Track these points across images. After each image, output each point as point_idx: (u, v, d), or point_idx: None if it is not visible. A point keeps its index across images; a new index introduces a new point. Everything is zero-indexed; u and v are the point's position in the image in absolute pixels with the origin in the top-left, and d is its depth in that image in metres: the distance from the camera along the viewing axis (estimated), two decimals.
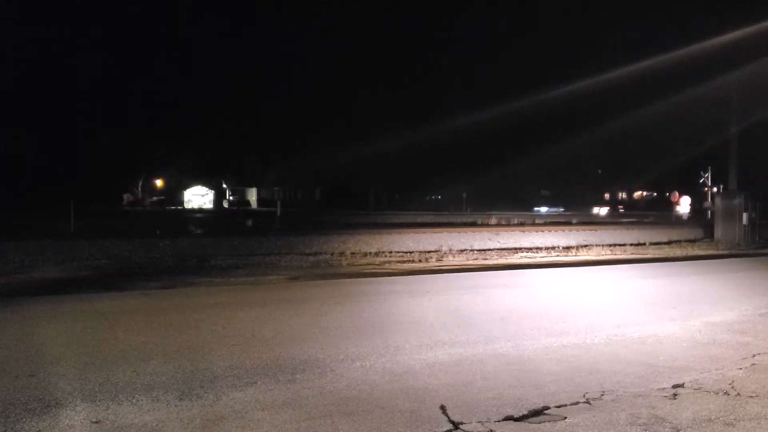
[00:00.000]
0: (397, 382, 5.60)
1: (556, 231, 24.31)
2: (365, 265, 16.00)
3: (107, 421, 4.55)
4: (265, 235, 19.35)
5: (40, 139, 57.80)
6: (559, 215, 52.17)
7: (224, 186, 79.20)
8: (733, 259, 19.18)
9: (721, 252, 21.71)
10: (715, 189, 37.90)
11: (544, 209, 68.66)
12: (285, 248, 17.90)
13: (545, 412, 4.87)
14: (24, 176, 57.02)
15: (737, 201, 25.29)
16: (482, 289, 11.71)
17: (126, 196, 70.99)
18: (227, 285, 12.05)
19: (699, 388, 5.50)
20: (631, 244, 23.12)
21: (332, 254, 17.61)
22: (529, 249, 20.75)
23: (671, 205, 42.30)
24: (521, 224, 31.08)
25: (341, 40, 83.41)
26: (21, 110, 56.42)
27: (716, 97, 32.91)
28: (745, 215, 24.91)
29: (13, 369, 5.77)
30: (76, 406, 4.84)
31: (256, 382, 5.50)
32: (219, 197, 77.24)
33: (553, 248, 21.01)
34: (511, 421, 4.65)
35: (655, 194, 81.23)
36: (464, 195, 67.30)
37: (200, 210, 64.58)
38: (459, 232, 22.36)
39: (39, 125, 57.87)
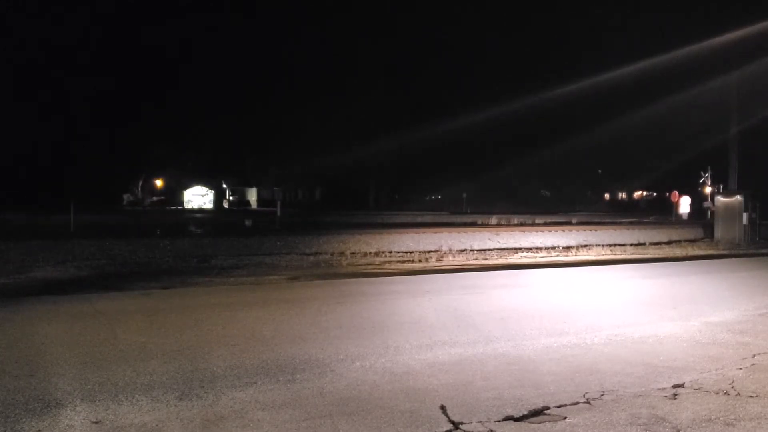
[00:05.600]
0: (397, 382, 5.60)
1: (556, 231, 24.31)
2: (365, 265, 15.99)
3: (107, 421, 4.54)
4: (265, 235, 19.35)
5: (40, 138, 57.81)
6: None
7: (224, 186, 79.14)
8: (733, 259, 19.17)
9: (721, 252, 21.70)
10: (715, 189, 37.90)
11: None
12: (285, 248, 17.91)
13: (545, 412, 4.87)
14: (24, 176, 56.97)
15: (737, 201, 25.30)
16: (482, 289, 11.71)
17: (126, 196, 70.94)
18: (227, 285, 12.05)
19: (699, 388, 5.50)
20: (631, 244, 23.12)
21: (332, 254, 17.61)
22: (529, 249, 20.74)
23: (673, 205, 42.22)
24: (521, 224, 31.09)
25: (341, 40, 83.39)
26: (20, 110, 56.43)
27: (716, 97, 32.95)
28: (745, 215, 24.92)
29: (13, 369, 5.77)
30: (76, 406, 4.84)
31: (256, 382, 5.50)
32: (219, 197, 77.16)
33: (553, 248, 21.01)
34: (511, 421, 4.65)
35: (655, 194, 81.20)
36: (464, 195, 67.25)
37: (200, 210, 64.53)
38: (459, 232, 22.36)
39: (39, 125, 57.88)
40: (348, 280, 12.92)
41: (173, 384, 5.40)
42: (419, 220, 37.09)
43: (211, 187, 77.23)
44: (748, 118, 31.69)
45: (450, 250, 19.36)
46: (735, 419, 4.73)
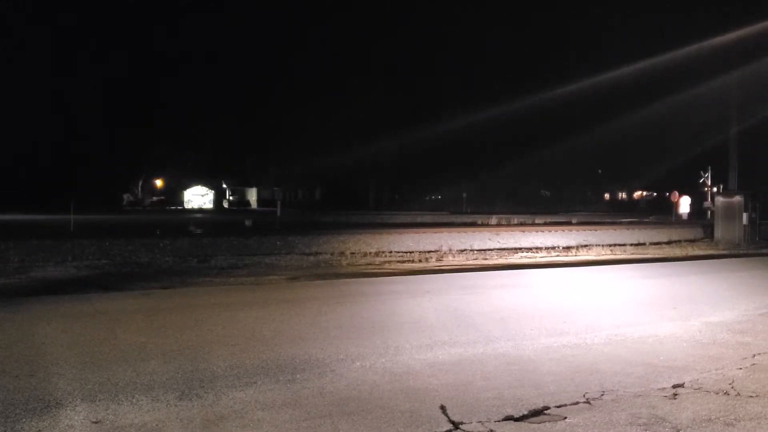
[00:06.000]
0: (397, 382, 5.60)
1: (556, 231, 24.30)
2: (365, 265, 15.99)
3: (107, 421, 4.54)
4: (265, 235, 19.35)
5: (40, 138, 57.83)
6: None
7: (224, 186, 79.18)
8: (733, 259, 19.16)
9: (721, 252, 21.69)
10: (715, 189, 37.92)
11: None
12: (285, 248, 17.91)
13: (545, 412, 4.87)
14: (24, 176, 56.97)
15: (737, 201, 25.29)
16: (482, 289, 11.71)
17: (126, 196, 71.00)
18: (227, 285, 12.05)
19: (699, 388, 5.50)
20: (631, 244, 23.12)
21: (332, 254, 17.61)
22: (529, 249, 20.74)
23: (673, 205, 42.21)
24: (521, 224, 31.09)
25: (341, 40, 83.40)
26: (20, 110, 56.44)
27: (716, 97, 32.97)
28: (745, 215, 24.91)
29: (13, 369, 5.77)
30: (76, 406, 4.84)
31: (256, 382, 5.50)
32: (219, 197, 77.19)
33: (553, 248, 21.01)
34: (511, 421, 4.65)
35: (655, 194, 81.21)
36: (464, 195, 67.31)
37: (200, 210, 64.54)
38: (459, 232, 22.36)
39: (39, 125, 57.89)
40: (348, 280, 12.92)
41: (173, 384, 5.40)
42: (419, 220, 37.10)
43: (211, 187, 77.26)
44: (748, 118, 31.70)
45: (450, 250, 19.36)
46: (735, 419, 4.73)
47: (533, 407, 4.94)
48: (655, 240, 24.64)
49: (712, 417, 4.77)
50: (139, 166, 68.61)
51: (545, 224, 31.09)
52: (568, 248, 21.16)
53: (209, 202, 75.53)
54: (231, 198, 79.14)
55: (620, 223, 31.36)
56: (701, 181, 43.20)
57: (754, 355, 6.69)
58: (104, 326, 7.75)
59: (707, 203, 36.00)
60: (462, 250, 19.59)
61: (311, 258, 16.91)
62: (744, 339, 7.47)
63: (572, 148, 63.88)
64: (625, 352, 6.77)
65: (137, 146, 63.99)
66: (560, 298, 10.58)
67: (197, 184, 76.49)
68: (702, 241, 25.67)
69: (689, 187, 46.86)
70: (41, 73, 59.68)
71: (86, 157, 60.59)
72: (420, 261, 17.07)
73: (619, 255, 19.87)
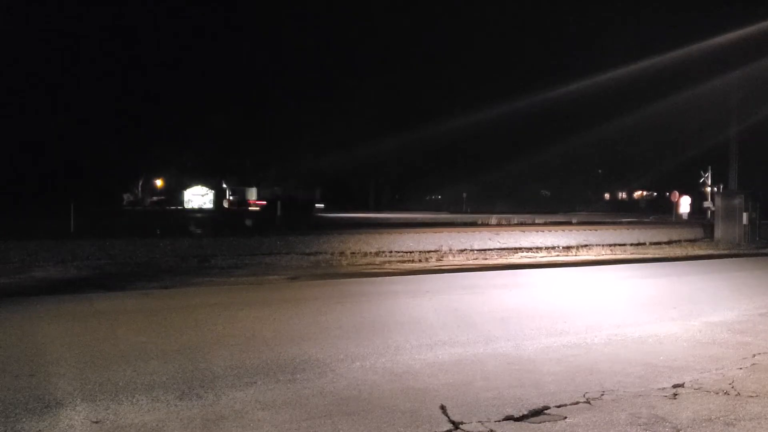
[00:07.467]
0: (397, 381, 5.60)
1: (556, 231, 24.28)
2: (365, 265, 15.99)
3: (107, 421, 4.55)
4: (265, 235, 19.34)
5: (41, 138, 57.84)
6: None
7: (224, 186, 79.18)
8: (733, 259, 19.17)
9: (721, 252, 21.69)
10: (715, 189, 37.90)
11: None
12: (285, 248, 17.90)
13: (545, 411, 4.87)
14: (24, 176, 56.98)
15: (737, 201, 25.28)
16: (482, 289, 11.71)
17: (126, 196, 71.00)
18: (227, 285, 12.05)
19: (699, 388, 5.50)
20: (631, 244, 23.11)
21: (332, 254, 17.60)
22: (529, 249, 20.74)
23: (673, 205, 42.17)
24: (521, 224, 31.06)
25: (341, 39, 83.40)
26: (20, 110, 56.48)
27: (716, 97, 32.95)
28: (745, 215, 24.90)
29: (13, 369, 5.78)
30: (76, 406, 4.84)
31: (256, 382, 5.50)
32: (219, 197, 77.22)
33: (553, 248, 21.00)
34: (511, 421, 4.66)
35: (655, 194, 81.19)
36: (464, 195, 67.32)
37: (200, 210, 64.55)
38: (459, 232, 22.34)
39: (39, 125, 57.91)
40: (348, 280, 12.92)
41: (173, 384, 5.40)
42: (419, 219, 37.05)
43: (211, 187, 77.26)
44: (748, 118, 31.69)
45: (450, 250, 19.36)
46: (735, 419, 4.73)
47: (533, 407, 4.94)
48: (655, 240, 24.63)
49: (712, 417, 4.77)
50: (139, 166, 68.62)
51: (545, 224, 31.03)
52: (568, 248, 21.16)
53: (209, 202, 75.54)
54: (231, 198, 79.12)
55: (620, 223, 31.31)
56: (701, 181, 43.16)
57: (754, 355, 6.69)
58: (104, 326, 7.75)
59: (707, 203, 35.96)
60: (462, 250, 19.58)
61: (311, 258, 16.91)
62: (744, 339, 7.48)
63: (572, 148, 63.91)
64: (625, 352, 6.78)
65: (137, 146, 64.02)
66: (560, 298, 10.58)
67: (197, 184, 76.49)
68: (702, 241, 25.66)
69: (689, 187, 46.80)
70: (41, 72, 59.68)
71: (87, 157, 60.61)
72: (420, 261, 17.07)
73: (619, 255, 19.87)
